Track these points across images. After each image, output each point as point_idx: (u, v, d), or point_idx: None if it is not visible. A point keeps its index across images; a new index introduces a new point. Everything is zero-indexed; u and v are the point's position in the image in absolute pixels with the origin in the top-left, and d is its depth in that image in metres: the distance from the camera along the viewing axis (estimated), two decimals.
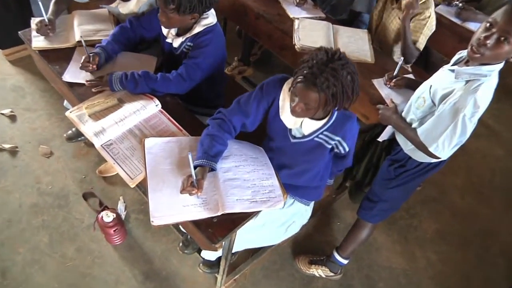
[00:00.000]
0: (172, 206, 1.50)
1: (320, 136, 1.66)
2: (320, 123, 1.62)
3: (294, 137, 1.69)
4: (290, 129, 1.69)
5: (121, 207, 2.63)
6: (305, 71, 1.41)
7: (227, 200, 1.52)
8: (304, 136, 1.68)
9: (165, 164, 1.64)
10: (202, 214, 1.51)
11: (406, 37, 2.40)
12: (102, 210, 2.41)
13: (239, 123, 1.72)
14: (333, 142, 1.66)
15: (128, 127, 1.83)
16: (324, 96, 1.43)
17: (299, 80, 1.42)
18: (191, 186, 1.51)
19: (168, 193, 1.54)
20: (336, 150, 1.71)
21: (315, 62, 1.40)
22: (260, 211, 1.57)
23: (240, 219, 1.58)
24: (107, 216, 2.35)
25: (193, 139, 1.77)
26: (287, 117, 1.63)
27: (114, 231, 2.38)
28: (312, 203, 2.13)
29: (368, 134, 2.18)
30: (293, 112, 1.52)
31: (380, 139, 2.06)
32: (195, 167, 1.53)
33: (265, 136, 1.87)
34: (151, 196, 1.53)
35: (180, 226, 2.38)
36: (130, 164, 1.68)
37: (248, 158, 1.71)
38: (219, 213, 1.51)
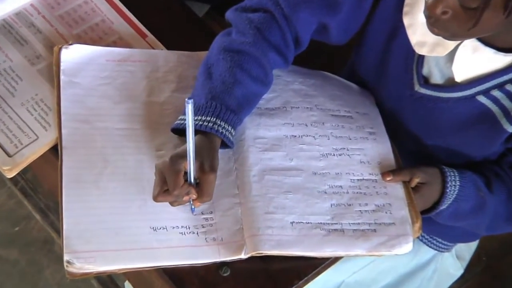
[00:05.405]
0: (123, 228, 0.93)
1: (495, 93, 0.96)
2: (505, 60, 0.91)
3: (426, 83, 1.00)
4: (421, 61, 0.98)
5: None
6: None
7: (266, 223, 0.92)
8: (451, 86, 0.98)
9: (112, 119, 1.04)
10: (197, 253, 0.92)
11: None
12: None
13: (309, 27, 1.02)
14: None
15: (2, 14, 1.17)
16: None
17: None
18: (185, 185, 0.88)
19: (115, 192, 0.95)
20: None
21: None
22: (340, 257, 0.94)
23: (291, 272, 0.94)
24: None
25: (181, 57, 1.13)
26: (418, 25, 0.94)
27: None
28: (464, 249, 1.43)
29: None
30: (431, 19, 0.84)
31: None
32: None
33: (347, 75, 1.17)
34: (68, 198, 0.93)
35: (127, 283, 1.51)
36: (4, 115, 1.05)
37: (328, 116, 1.05)
38: (243, 255, 0.90)
